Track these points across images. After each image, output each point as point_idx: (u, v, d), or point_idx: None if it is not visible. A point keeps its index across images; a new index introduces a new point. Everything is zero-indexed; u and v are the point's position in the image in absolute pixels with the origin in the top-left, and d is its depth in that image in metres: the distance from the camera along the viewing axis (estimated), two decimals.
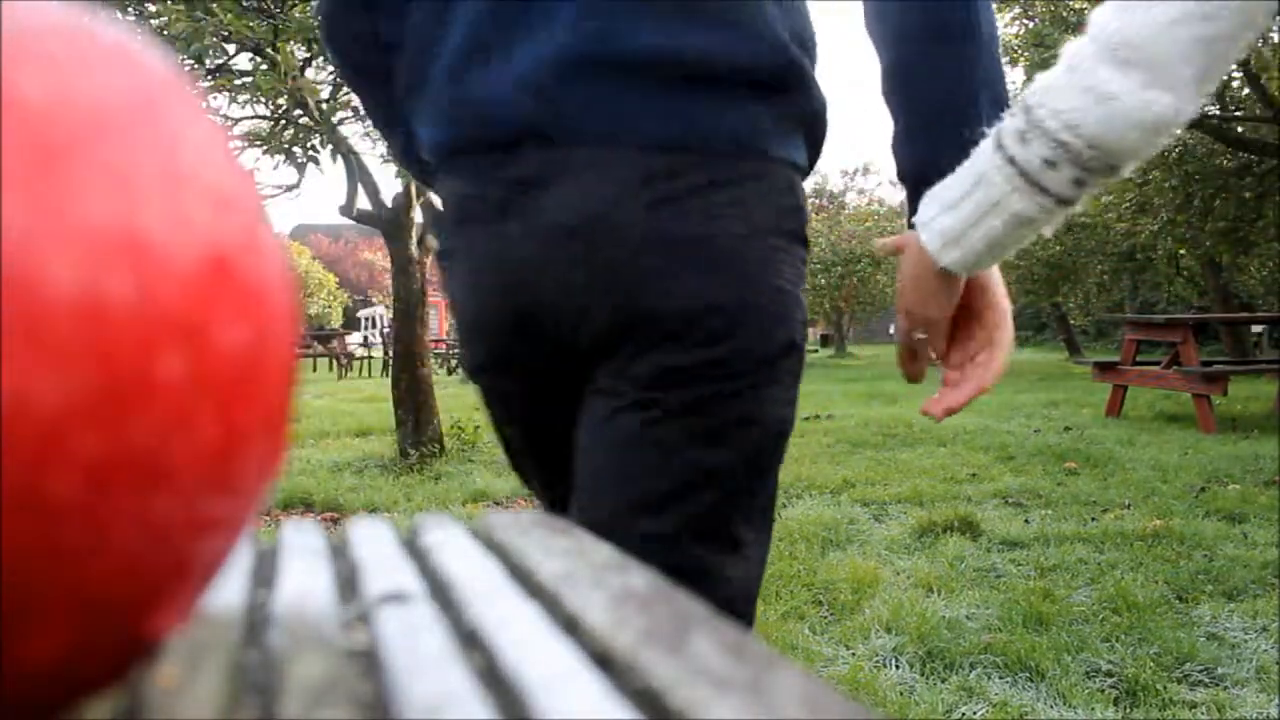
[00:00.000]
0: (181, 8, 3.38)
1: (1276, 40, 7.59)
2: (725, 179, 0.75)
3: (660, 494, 0.74)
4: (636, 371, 0.74)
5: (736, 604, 0.77)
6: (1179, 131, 0.67)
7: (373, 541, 0.45)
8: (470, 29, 0.77)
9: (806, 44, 0.82)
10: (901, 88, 0.79)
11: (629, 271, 0.73)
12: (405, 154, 0.97)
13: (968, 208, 0.72)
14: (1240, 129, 9.25)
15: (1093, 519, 3.34)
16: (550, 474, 0.88)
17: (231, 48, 3.91)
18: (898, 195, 22.15)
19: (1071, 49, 0.67)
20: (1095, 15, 0.66)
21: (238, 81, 3.88)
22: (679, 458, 0.73)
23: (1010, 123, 0.69)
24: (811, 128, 0.83)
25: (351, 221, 4.97)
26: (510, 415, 0.90)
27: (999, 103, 0.76)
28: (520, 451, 0.92)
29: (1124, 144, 0.65)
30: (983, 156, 0.71)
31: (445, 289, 0.92)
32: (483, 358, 0.87)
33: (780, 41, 0.78)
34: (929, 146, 0.77)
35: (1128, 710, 1.79)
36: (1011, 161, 0.69)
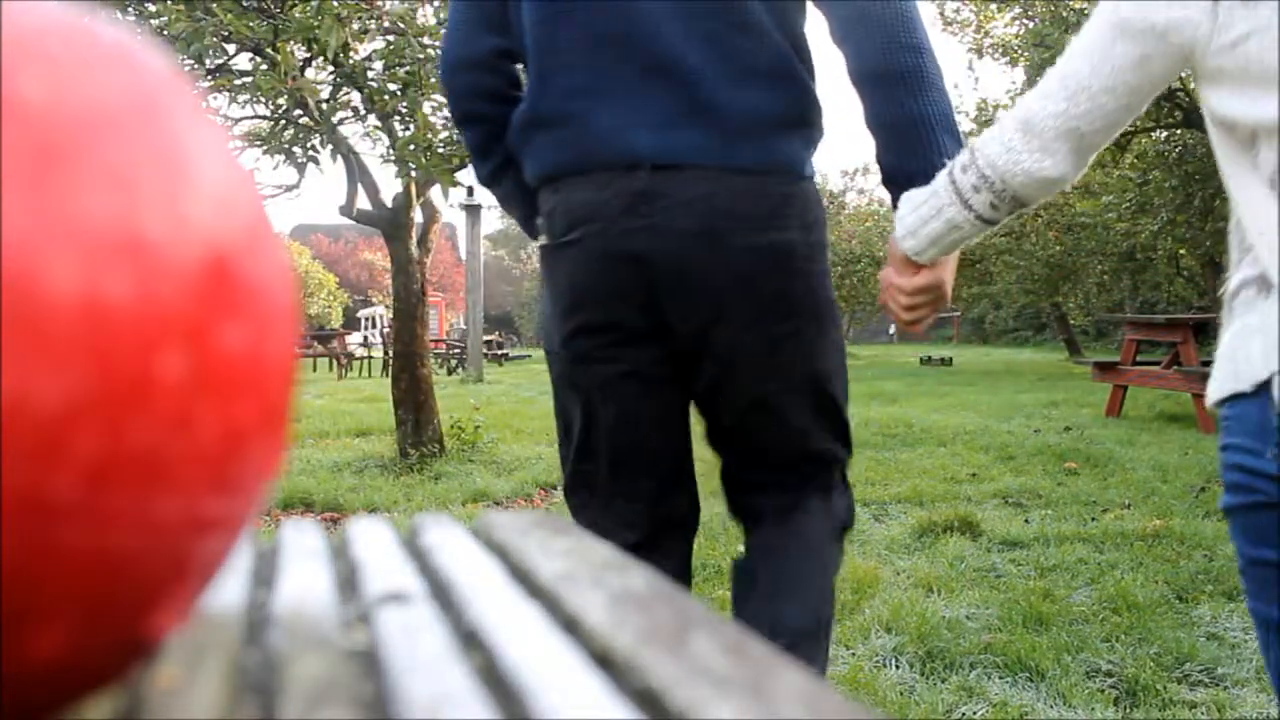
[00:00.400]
0: (181, 8, 3.38)
1: None
2: (787, 195, 1.11)
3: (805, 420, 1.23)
4: (746, 333, 1.14)
5: (827, 446, 1.23)
6: (1063, 187, 1.00)
7: (373, 541, 0.45)
8: (586, 79, 1.10)
9: (814, 80, 1.17)
10: (874, 118, 1.11)
11: (731, 266, 1.10)
12: (496, 177, 1.28)
13: (924, 210, 1.04)
14: None
15: (1093, 519, 3.34)
16: (630, 432, 1.19)
17: (231, 48, 3.90)
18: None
19: (1004, 116, 0.98)
20: (1022, 98, 0.97)
21: (238, 81, 3.88)
22: (797, 387, 1.20)
23: (960, 157, 1.02)
24: (815, 147, 1.19)
25: (351, 221, 4.97)
26: (607, 376, 1.16)
27: (945, 119, 1.09)
28: (607, 416, 1.19)
29: (1023, 188, 0.97)
30: (940, 177, 1.03)
31: (553, 273, 1.17)
32: (598, 325, 1.15)
33: (811, 89, 1.14)
34: (896, 158, 1.11)
35: (1128, 710, 1.79)
36: (954, 183, 1.01)
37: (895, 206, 1.10)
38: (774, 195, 1.11)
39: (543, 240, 1.19)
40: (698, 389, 1.22)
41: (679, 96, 1.08)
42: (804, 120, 1.15)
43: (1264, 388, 0.84)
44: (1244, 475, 0.88)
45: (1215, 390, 0.91)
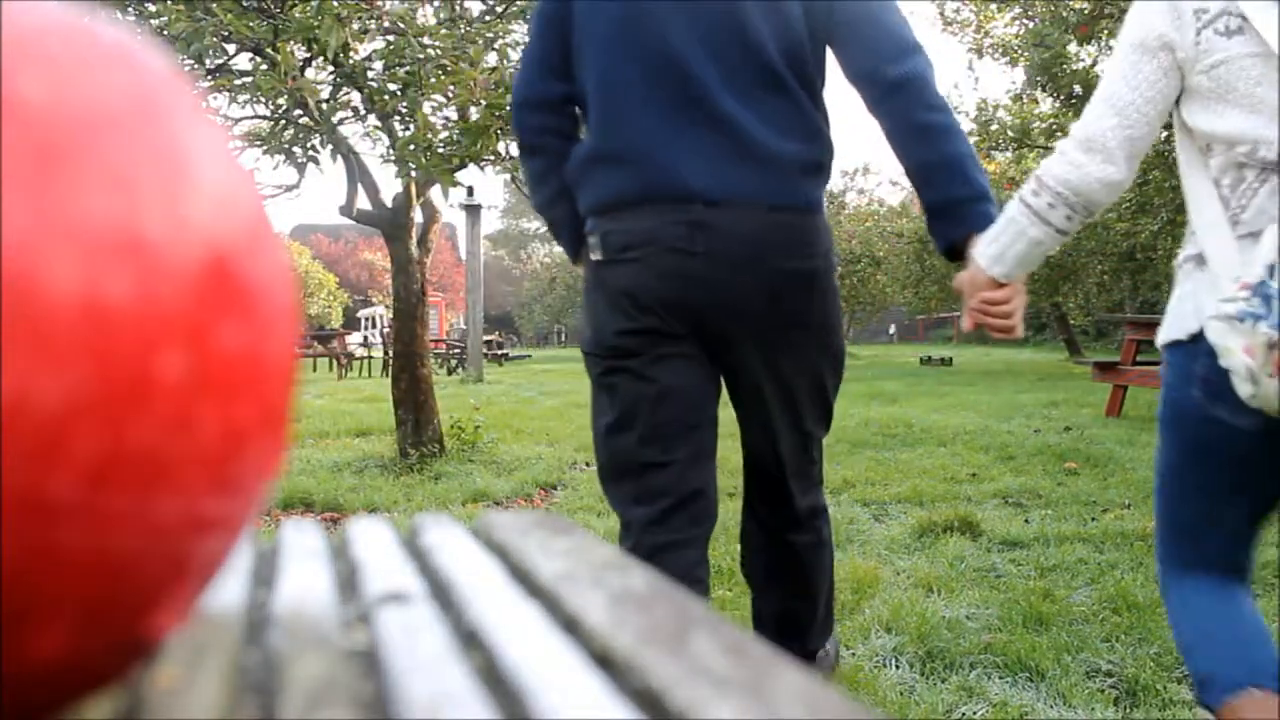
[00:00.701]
0: (181, 8, 3.38)
1: None
2: (813, 228, 1.36)
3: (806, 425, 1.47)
4: (766, 343, 1.38)
5: (810, 471, 1.49)
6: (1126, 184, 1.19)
7: (373, 541, 0.45)
8: (646, 124, 1.33)
9: (828, 131, 1.43)
10: (919, 164, 1.35)
11: (770, 288, 1.34)
12: (551, 205, 1.54)
13: (1004, 239, 1.23)
14: None
15: (1093, 519, 3.34)
16: (669, 412, 1.38)
17: (231, 48, 3.90)
18: (897, 195, 22.17)
19: (1061, 143, 1.18)
20: (1075, 125, 1.16)
21: (238, 81, 3.88)
22: (819, 405, 1.47)
23: (1026, 187, 1.21)
24: (825, 186, 1.44)
25: (351, 221, 4.97)
26: (649, 367, 1.38)
27: (975, 158, 1.34)
28: (646, 401, 1.39)
29: (1095, 195, 1.16)
30: (1010, 209, 1.22)
31: (605, 285, 1.42)
32: (647, 327, 1.37)
33: (829, 141, 1.40)
34: (944, 191, 1.34)
35: (1128, 710, 1.79)
36: (1029, 207, 1.19)
37: (935, 238, 1.38)
38: (800, 228, 1.36)
39: (596, 256, 1.42)
40: (726, 377, 1.46)
41: (727, 145, 1.32)
42: (822, 167, 1.40)
43: (1195, 338, 1.12)
44: (1176, 407, 1.19)
45: (1161, 336, 1.20)
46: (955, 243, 1.35)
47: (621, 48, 1.36)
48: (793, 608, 1.57)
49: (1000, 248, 1.25)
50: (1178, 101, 1.14)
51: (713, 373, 1.43)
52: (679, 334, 1.37)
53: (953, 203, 1.32)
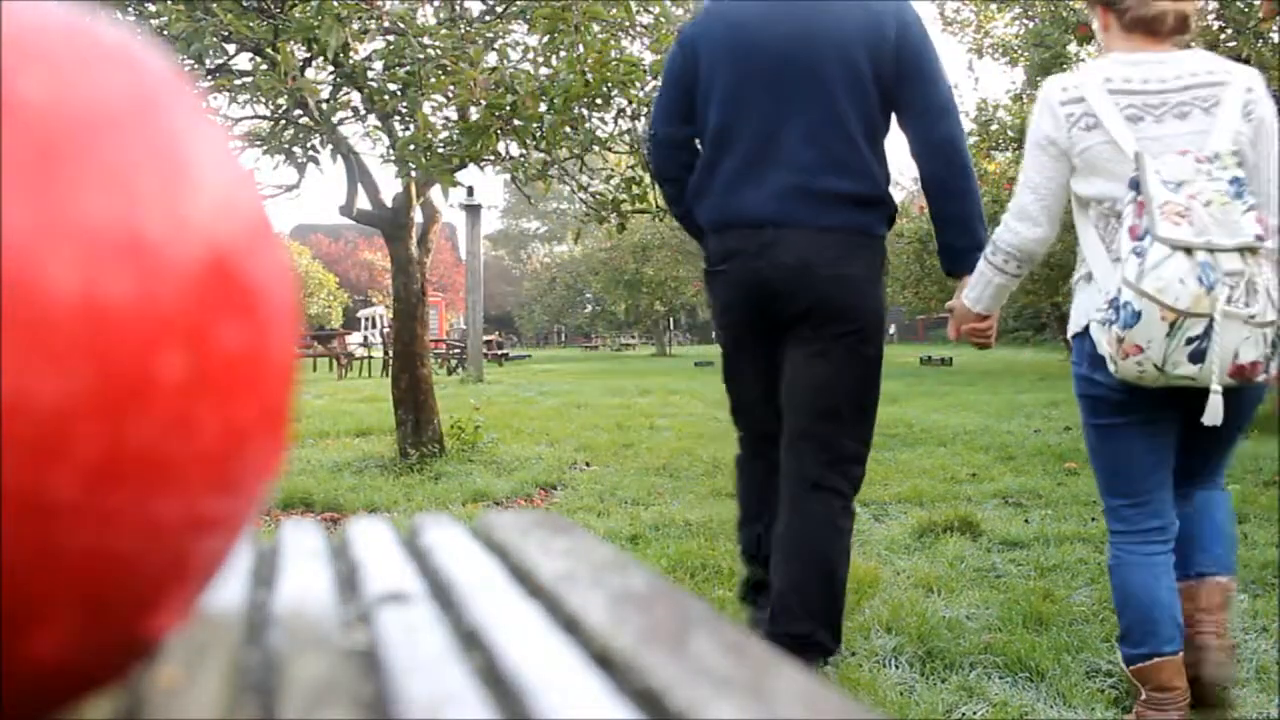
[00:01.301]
0: (181, 8, 3.38)
1: (1277, 40, 7.59)
2: (856, 246, 1.77)
3: (834, 399, 1.82)
4: (820, 331, 1.77)
5: (853, 468, 1.86)
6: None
7: (373, 541, 0.45)
8: (737, 167, 1.79)
9: (888, 176, 1.85)
10: (940, 214, 1.86)
11: (816, 287, 1.74)
12: (683, 218, 2.04)
13: (979, 285, 1.75)
14: None
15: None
16: (754, 404, 1.93)
17: (231, 48, 3.90)
18: (897, 195, 22.13)
19: (1004, 218, 1.68)
20: (1010, 205, 1.66)
21: (238, 81, 3.88)
22: (848, 384, 1.82)
23: (988, 249, 1.71)
24: (890, 217, 1.88)
25: (351, 221, 4.97)
26: (741, 354, 1.93)
27: (981, 216, 1.85)
28: (746, 387, 1.95)
29: (1031, 250, 1.67)
30: (980, 265, 1.73)
31: (711, 286, 1.92)
32: (736, 322, 1.89)
33: (880, 182, 1.82)
34: (953, 238, 1.86)
35: (1128, 710, 1.79)
36: (991, 264, 1.71)
37: (941, 262, 1.93)
38: (845, 245, 1.78)
39: (705, 265, 1.94)
40: (789, 357, 1.86)
41: (791, 182, 1.76)
42: (878, 201, 1.83)
43: (1085, 330, 1.62)
44: (1079, 378, 1.70)
45: (1069, 330, 1.73)
46: (952, 273, 1.91)
47: (732, 108, 1.82)
48: (830, 554, 1.80)
49: (978, 293, 1.78)
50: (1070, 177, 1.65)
51: (777, 352, 1.88)
52: (756, 330, 1.88)
53: (955, 249, 1.87)
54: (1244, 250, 1.43)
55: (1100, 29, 1.70)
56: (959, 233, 1.85)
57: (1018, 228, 1.67)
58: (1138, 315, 1.42)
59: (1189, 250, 1.41)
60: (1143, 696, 1.64)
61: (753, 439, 2.00)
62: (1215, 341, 1.40)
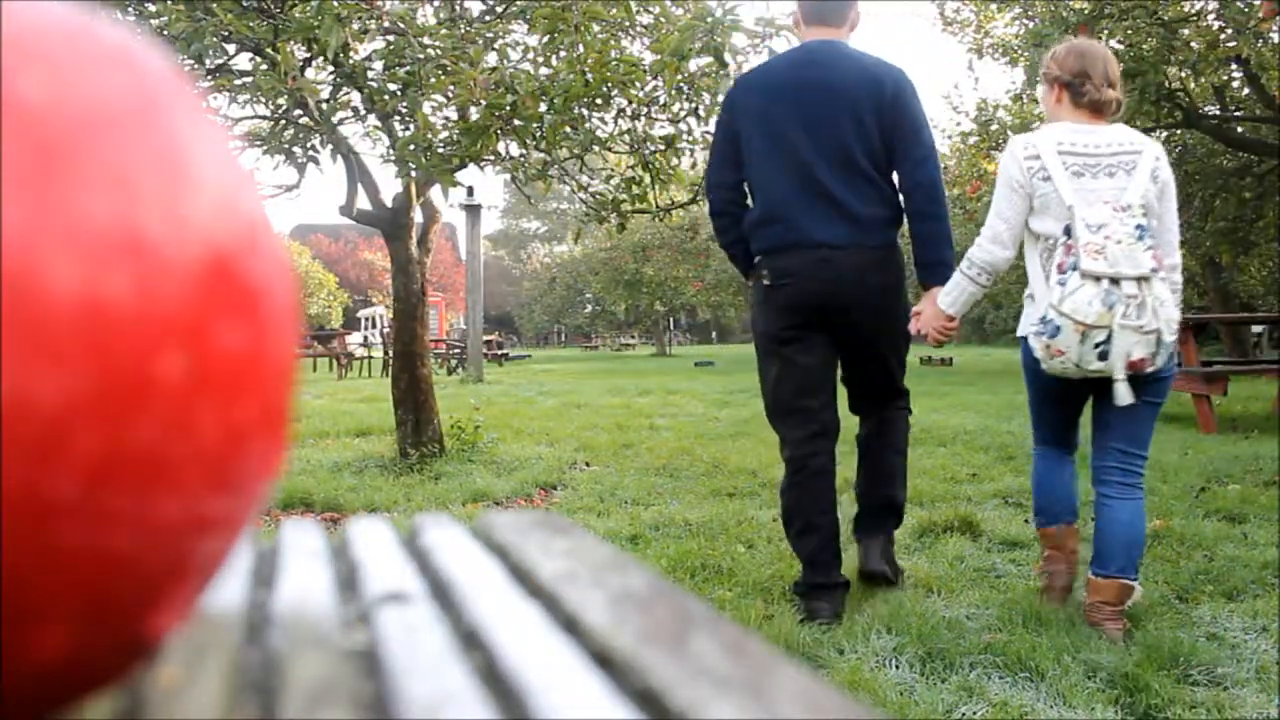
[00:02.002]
0: (181, 8, 3.38)
1: (1277, 40, 7.59)
2: (888, 259, 2.36)
3: (891, 375, 2.51)
4: (871, 325, 2.37)
5: (900, 385, 2.53)
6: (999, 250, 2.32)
7: (373, 541, 0.45)
8: (787, 201, 2.30)
9: (897, 195, 2.40)
10: (916, 233, 2.39)
11: (865, 291, 2.30)
12: (731, 246, 2.48)
13: (954, 293, 2.30)
14: (1240, 129, 9.25)
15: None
16: (820, 388, 2.37)
17: (231, 48, 3.90)
18: None
19: (979, 239, 2.25)
20: (984, 229, 2.25)
21: (238, 81, 3.88)
22: (897, 362, 2.49)
23: (964, 263, 2.27)
24: (900, 224, 2.44)
25: (351, 221, 4.97)
26: (785, 353, 2.35)
27: (948, 238, 2.40)
28: (782, 378, 2.38)
29: (999, 266, 2.26)
30: (956, 275, 2.29)
31: (771, 298, 2.34)
32: (797, 324, 2.33)
33: (895, 204, 2.38)
34: (924, 253, 2.40)
35: (1128, 710, 1.79)
36: (968, 276, 2.27)
37: (920, 279, 2.42)
38: (882, 259, 2.35)
39: (766, 281, 2.36)
40: (843, 351, 2.44)
41: (834, 211, 2.29)
42: (890, 221, 2.38)
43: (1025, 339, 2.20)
44: (1027, 366, 2.24)
45: (1019, 332, 2.26)
46: (925, 284, 2.42)
47: (774, 157, 2.35)
48: (892, 461, 2.53)
49: (953, 299, 2.32)
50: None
51: (833, 354, 2.42)
52: (815, 326, 2.36)
53: (927, 263, 2.41)
54: (1140, 279, 2.02)
55: (1052, 102, 2.28)
56: (931, 250, 2.39)
57: (991, 249, 2.24)
58: (1059, 329, 2.05)
59: (1098, 279, 2.01)
60: (1045, 554, 2.41)
61: (811, 436, 2.37)
62: (1114, 345, 2.02)
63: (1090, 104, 2.21)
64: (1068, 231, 2.07)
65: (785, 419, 2.40)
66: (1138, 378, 2.07)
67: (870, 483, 2.52)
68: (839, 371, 2.47)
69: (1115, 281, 2.00)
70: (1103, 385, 2.12)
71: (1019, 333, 2.29)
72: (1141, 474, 2.24)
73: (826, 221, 2.28)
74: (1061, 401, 2.30)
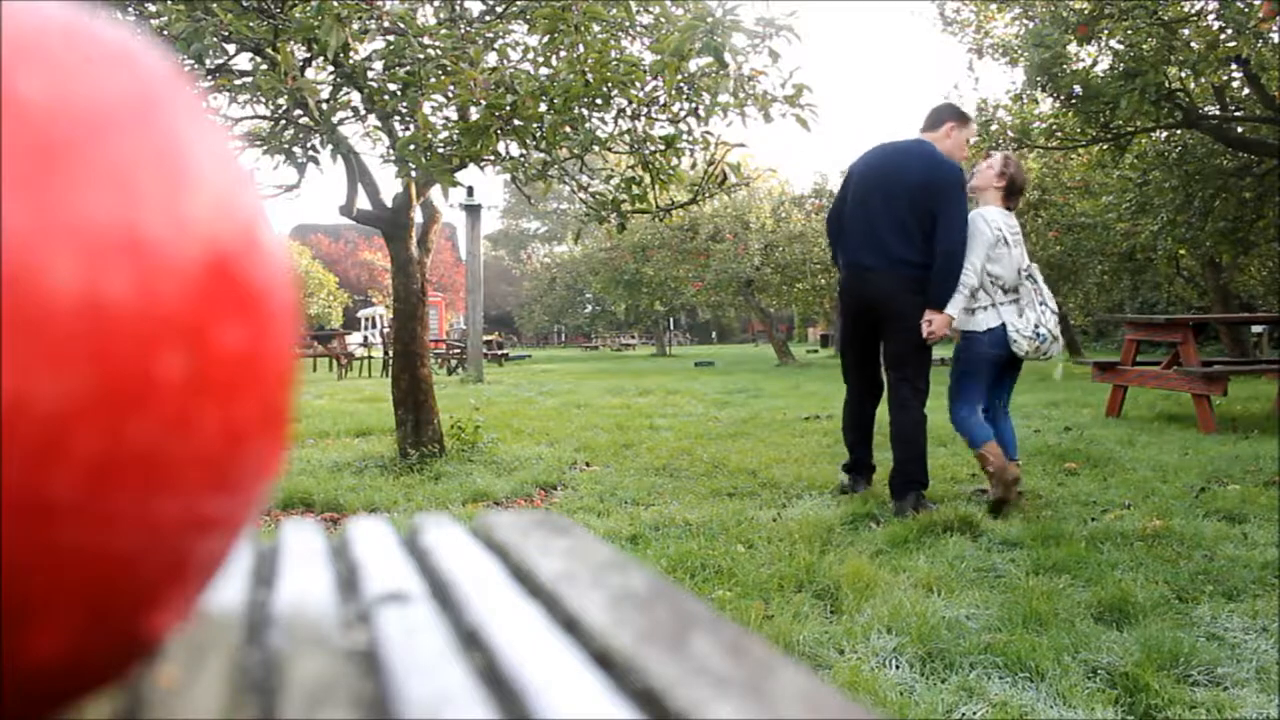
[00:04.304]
0: (181, 8, 3.38)
1: (1277, 40, 7.59)
2: (911, 281, 3.55)
3: (902, 354, 3.65)
4: (899, 327, 3.60)
5: (917, 382, 3.65)
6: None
7: (373, 541, 0.45)
8: (857, 243, 3.65)
9: (931, 255, 3.62)
10: (934, 275, 3.53)
11: (894, 302, 3.55)
12: (835, 256, 3.90)
13: (957, 307, 3.49)
14: (1240, 129, 9.24)
15: (1093, 519, 3.34)
16: (864, 356, 3.82)
17: (231, 48, 3.90)
18: None
19: (962, 280, 3.53)
20: (963, 276, 3.53)
21: (238, 81, 3.88)
22: (906, 347, 3.61)
23: (961, 285, 3.50)
24: (929, 269, 3.71)
25: (351, 221, 4.97)
26: (853, 337, 3.79)
27: (954, 284, 3.53)
28: (854, 352, 3.83)
29: (975, 287, 3.56)
30: (957, 297, 3.49)
31: (840, 300, 3.83)
32: (849, 319, 3.77)
33: (926, 256, 3.56)
34: (932, 294, 3.53)
35: (1128, 710, 1.79)
36: (962, 294, 3.50)
37: (931, 303, 3.48)
38: (906, 279, 3.52)
39: (840, 280, 3.77)
40: (880, 336, 3.66)
41: (875, 247, 3.56)
42: (915, 263, 3.52)
43: (988, 330, 3.55)
44: (981, 353, 3.56)
45: (976, 327, 3.58)
46: (933, 306, 3.48)
47: (856, 208, 3.64)
48: (909, 432, 3.61)
49: (957, 310, 3.45)
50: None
51: (875, 336, 3.69)
52: (862, 319, 3.66)
53: (938, 297, 3.48)
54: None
55: (994, 189, 3.67)
56: (941, 289, 3.49)
57: (970, 280, 3.49)
58: (1043, 337, 3.52)
59: (1055, 310, 3.57)
60: (989, 469, 3.49)
61: (855, 383, 3.86)
62: (1054, 344, 3.54)
63: (1015, 194, 3.69)
64: (1030, 279, 3.56)
65: (845, 367, 3.94)
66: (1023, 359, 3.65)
67: (893, 445, 3.68)
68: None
69: (1055, 312, 3.62)
70: (1012, 363, 3.65)
71: (983, 327, 3.57)
72: (1008, 413, 3.79)
73: (872, 255, 3.58)
74: (988, 376, 3.62)
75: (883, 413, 3.74)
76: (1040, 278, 3.54)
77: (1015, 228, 3.60)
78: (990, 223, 3.50)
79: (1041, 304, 3.50)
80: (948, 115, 3.67)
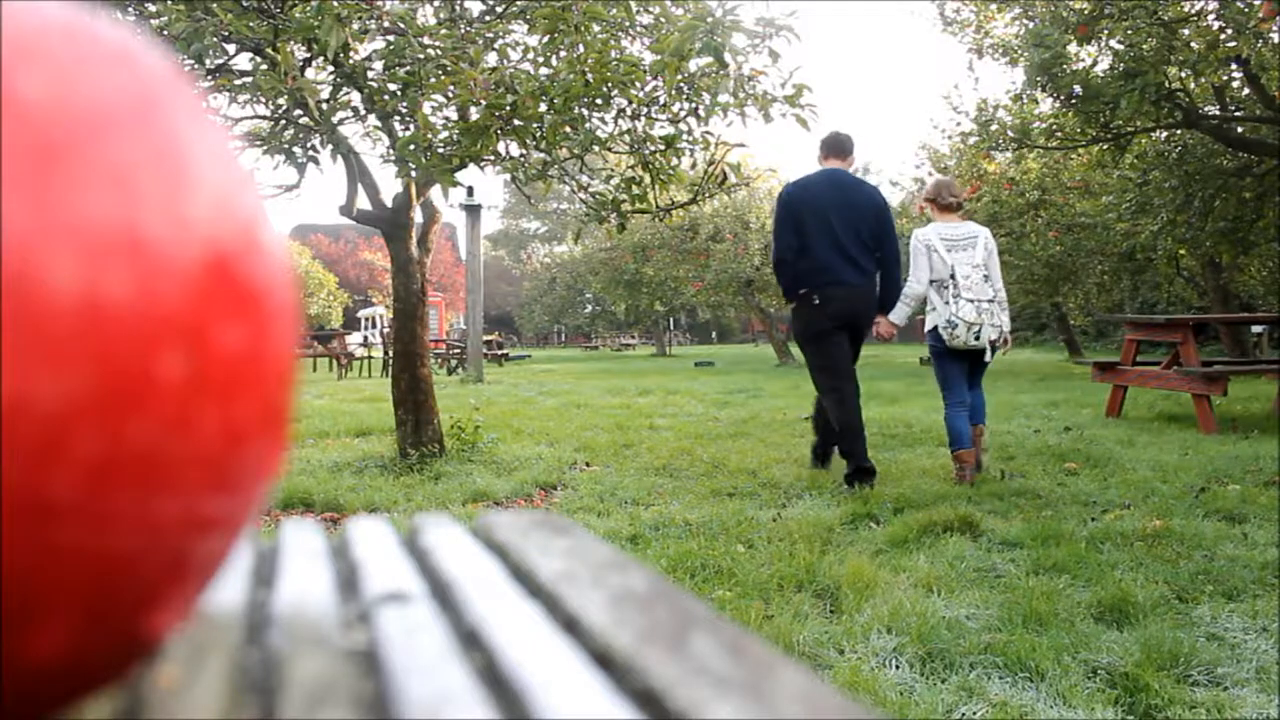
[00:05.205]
0: (181, 8, 3.38)
1: (1277, 40, 7.59)
2: (872, 292, 4.21)
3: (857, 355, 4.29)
4: (865, 332, 4.30)
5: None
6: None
7: (373, 541, 0.45)
8: (825, 261, 4.08)
9: (877, 266, 4.37)
10: (883, 291, 4.27)
11: (871, 310, 4.21)
12: (781, 279, 4.26)
13: (901, 314, 4.25)
14: (1240, 129, 9.24)
15: (1093, 519, 3.34)
16: (845, 357, 4.18)
17: (231, 48, 3.90)
18: (898, 196, 22.19)
19: (905, 290, 4.26)
20: (906, 285, 4.27)
21: (238, 81, 3.88)
22: (859, 349, 4.31)
23: (904, 295, 4.25)
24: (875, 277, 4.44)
25: (351, 221, 4.97)
26: (833, 340, 4.12)
27: (900, 291, 4.29)
28: (838, 352, 4.14)
29: (920, 296, 4.23)
30: (900, 304, 4.24)
31: (815, 311, 4.12)
32: (831, 327, 4.10)
33: (876, 269, 4.27)
34: (885, 301, 4.25)
35: (1128, 710, 1.79)
36: (905, 302, 4.24)
37: (879, 307, 4.23)
38: (872, 290, 4.17)
39: (815, 301, 4.07)
40: (853, 340, 4.19)
41: (851, 265, 4.07)
42: (875, 274, 4.19)
43: (935, 328, 4.13)
44: (934, 347, 4.18)
45: (925, 327, 4.28)
46: (883, 310, 4.22)
47: (819, 233, 4.05)
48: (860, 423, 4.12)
49: (900, 316, 4.21)
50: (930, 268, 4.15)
51: (850, 345, 4.15)
52: (842, 327, 4.09)
53: (886, 303, 4.19)
54: (987, 300, 4.03)
55: (932, 210, 4.31)
56: (890, 298, 4.19)
57: (916, 289, 4.17)
58: (955, 324, 4.00)
59: (972, 300, 3.99)
60: (957, 467, 4.11)
61: (845, 378, 4.13)
62: (982, 333, 3.99)
63: (946, 208, 4.25)
64: (953, 277, 4.05)
65: (821, 376, 4.18)
66: (990, 348, 4.05)
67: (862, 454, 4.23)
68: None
69: (975, 301, 4.01)
70: (973, 356, 4.14)
71: (927, 327, 4.21)
72: (981, 389, 4.33)
73: (847, 271, 4.05)
74: (955, 366, 4.15)
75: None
76: (964, 276, 4.05)
77: (955, 236, 4.16)
78: (919, 239, 4.18)
79: (957, 298, 4.02)
80: (851, 145, 4.30)
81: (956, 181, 4.64)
